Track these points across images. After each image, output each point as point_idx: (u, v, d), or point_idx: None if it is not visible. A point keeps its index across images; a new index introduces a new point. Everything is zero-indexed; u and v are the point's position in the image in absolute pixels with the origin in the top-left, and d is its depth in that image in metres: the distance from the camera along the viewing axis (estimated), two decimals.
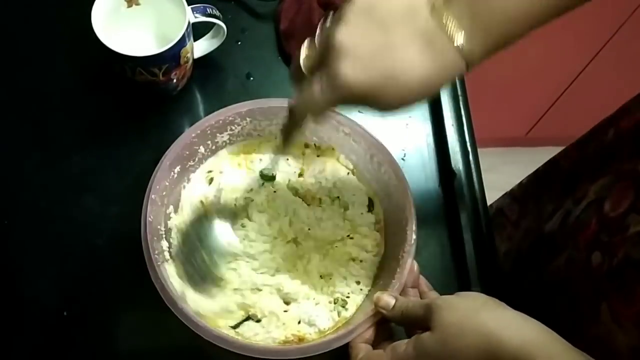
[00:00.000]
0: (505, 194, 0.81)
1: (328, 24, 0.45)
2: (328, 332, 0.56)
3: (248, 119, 0.60)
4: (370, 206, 0.62)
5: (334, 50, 0.42)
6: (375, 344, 0.52)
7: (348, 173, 0.63)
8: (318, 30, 0.46)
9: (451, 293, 0.54)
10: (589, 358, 0.41)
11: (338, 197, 0.62)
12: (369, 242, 0.60)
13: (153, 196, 0.55)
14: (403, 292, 0.54)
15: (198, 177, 0.62)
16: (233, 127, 0.61)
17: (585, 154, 0.65)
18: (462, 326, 0.43)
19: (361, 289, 0.58)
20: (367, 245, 0.60)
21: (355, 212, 0.61)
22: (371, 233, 0.60)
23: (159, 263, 0.53)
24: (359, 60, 0.42)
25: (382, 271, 0.59)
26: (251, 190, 0.61)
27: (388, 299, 0.51)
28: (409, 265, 0.54)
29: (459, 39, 0.41)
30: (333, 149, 0.63)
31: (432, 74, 0.42)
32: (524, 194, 0.76)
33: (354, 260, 0.59)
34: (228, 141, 0.62)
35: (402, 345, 0.48)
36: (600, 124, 0.65)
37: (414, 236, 0.55)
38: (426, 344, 0.45)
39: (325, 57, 0.44)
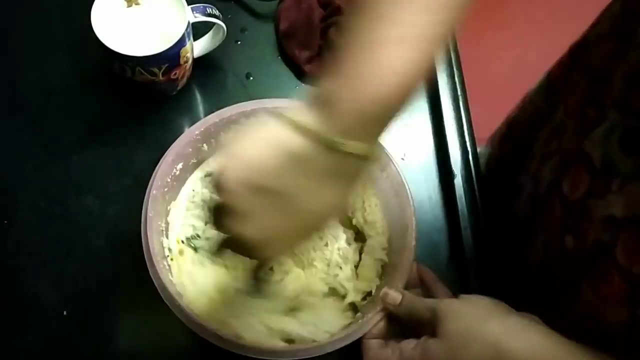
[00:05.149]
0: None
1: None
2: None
3: (252, 118, 0.60)
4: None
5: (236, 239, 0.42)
6: (387, 338, 0.52)
7: None
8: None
9: (453, 293, 0.54)
10: (599, 356, 0.41)
11: None
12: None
13: (154, 192, 0.55)
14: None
15: (196, 179, 0.62)
16: (237, 127, 0.61)
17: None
18: (469, 336, 0.43)
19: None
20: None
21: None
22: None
23: (158, 259, 0.53)
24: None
25: (385, 276, 0.58)
26: None
27: (395, 295, 0.51)
28: (409, 271, 0.54)
29: (355, 146, 0.38)
30: None
31: (337, 195, 0.41)
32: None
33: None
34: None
35: (409, 348, 0.47)
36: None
37: (413, 242, 0.55)
38: (433, 352, 0.45)
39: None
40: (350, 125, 0.38)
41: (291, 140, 0.39)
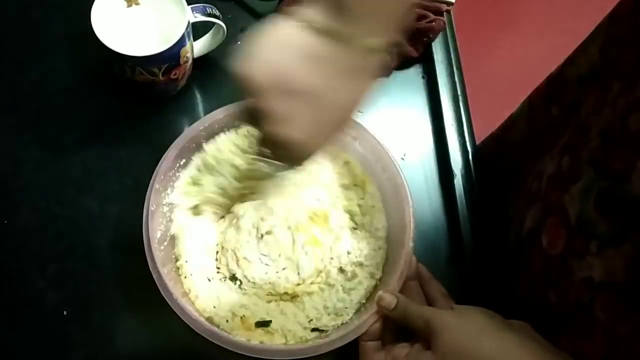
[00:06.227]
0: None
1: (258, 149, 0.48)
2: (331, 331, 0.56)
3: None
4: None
5: (281, 144, 0.44)
6: (384, 340, 0.52)
7: None
8: None
9: (447, 291, 0.54)
10: None
11: None
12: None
13: (157, 185, 0.56)
14: (404, 286, 0.54)
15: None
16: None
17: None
18: (463, 353, 0.44)
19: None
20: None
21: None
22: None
23: (157, 252, 0.54)
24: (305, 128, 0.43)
25: (382, 276, 0.58)
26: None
27: (390, 299, 0.52)
28: (404, 274, 0.54)
29: (371, 40, 0.41)
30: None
31: (361, 89, 0.43)
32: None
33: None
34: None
35: (402, 355, 0.48)
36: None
37: (411, 243, 0.55)
38: None
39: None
40: (366, 20, 0.40)
41: (312, 40, 0.41)
